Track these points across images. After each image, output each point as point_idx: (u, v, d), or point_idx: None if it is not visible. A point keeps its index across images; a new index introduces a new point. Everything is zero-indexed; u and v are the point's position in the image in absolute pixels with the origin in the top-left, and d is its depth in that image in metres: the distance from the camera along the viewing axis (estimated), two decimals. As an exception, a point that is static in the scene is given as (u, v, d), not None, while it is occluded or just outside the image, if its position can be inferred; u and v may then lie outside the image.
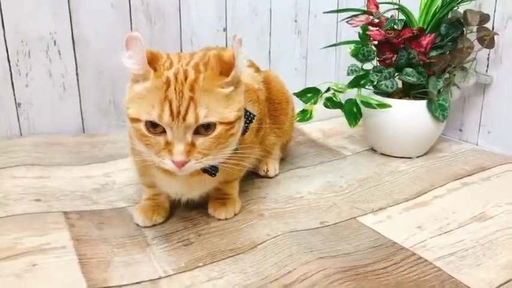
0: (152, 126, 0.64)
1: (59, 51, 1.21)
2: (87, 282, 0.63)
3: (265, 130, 0.91)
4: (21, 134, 1.22)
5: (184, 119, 0.62)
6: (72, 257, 0.68)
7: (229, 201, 0.84)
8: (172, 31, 1.36)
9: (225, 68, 0.66)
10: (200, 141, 0.65)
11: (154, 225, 0.79)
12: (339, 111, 1.12)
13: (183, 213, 0.84)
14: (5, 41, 1.15)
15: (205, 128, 0.65)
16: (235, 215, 0.84)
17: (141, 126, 0.65)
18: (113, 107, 1.31)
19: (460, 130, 1.27)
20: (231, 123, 0.66)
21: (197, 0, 1.38)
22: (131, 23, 1.29)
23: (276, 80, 1.03)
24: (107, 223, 0.80)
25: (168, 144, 0.64)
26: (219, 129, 0.65)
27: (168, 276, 0.66)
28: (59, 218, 0.80)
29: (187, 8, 1.37)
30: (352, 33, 1.56)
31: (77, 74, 1.25)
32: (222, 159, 0.70)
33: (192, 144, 0.64)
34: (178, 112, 0.62)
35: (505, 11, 1.11)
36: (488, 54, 1.16)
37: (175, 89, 0.63)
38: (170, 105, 0.62)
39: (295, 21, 1.59)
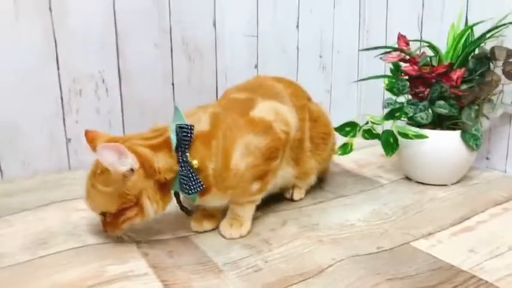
0: None
1: (106, 88, 1.28)
2: (174, 306, 0.67)
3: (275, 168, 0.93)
4: (69, 168, 1.27)
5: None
6: (158, 283, 0.72)
7: (236, 222, 0.90)
8: (209, 67, 1.44)
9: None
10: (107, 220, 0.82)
11: (220, 253, 0.83)
12: (367, 142, 1.20)
13: (245, 241, 0.88)
14: (59, 79, 1.21)
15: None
16: (241, 237, 0.89)
17: None
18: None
19: (487, 158, 1.33)
20: (115, 214, 0.79)
21: (231, 40, 1.46)
22: (172, 61, 1.36)
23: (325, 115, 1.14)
24: (175, 251, 0.83)
25: None
26: (108, 216, 0.81)
27: (247, 300, 0.69)
28: (131, 247, 0.84)
29: (222, 46, 1.45)
30: (372, 68, 1.66)
31: (122, 111, 1.31)
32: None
33: (105, 221, 0.82)
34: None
35: (527, 46, 1.19)
36: (513, 87, 1.24)
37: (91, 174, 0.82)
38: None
39: (320, 56, 1.67)
